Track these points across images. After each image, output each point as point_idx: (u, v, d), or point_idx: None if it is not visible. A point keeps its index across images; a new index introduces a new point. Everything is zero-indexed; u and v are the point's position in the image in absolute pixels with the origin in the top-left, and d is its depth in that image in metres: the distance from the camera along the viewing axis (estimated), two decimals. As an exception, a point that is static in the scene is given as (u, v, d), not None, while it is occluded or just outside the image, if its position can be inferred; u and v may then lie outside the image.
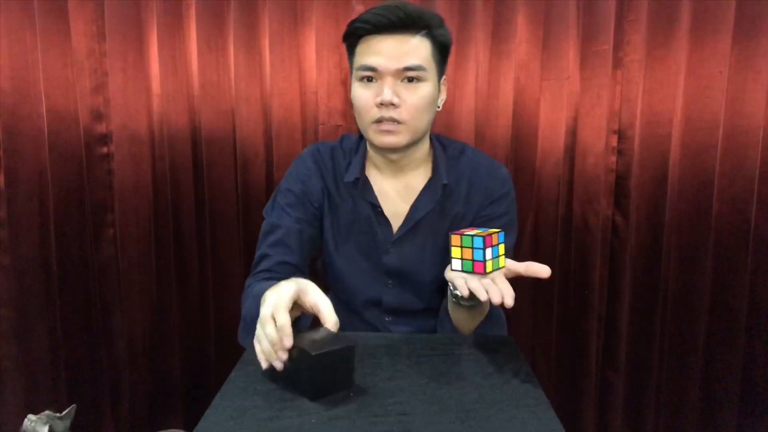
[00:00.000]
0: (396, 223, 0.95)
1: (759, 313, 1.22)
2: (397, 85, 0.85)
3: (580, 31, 1.21)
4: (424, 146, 0.95)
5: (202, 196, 1.30)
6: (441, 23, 0.88)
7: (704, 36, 1.14)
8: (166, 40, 1.22)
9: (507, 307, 0.66)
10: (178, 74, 1.24)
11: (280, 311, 0.64)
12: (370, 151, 0.96)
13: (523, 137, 1.27)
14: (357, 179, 0.93)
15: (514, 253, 0.95)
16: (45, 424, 1.10)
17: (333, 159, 0.98)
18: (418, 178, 0.95)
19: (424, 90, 0.86)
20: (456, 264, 0.74)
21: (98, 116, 1.26)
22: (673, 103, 1.18)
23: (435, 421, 0.58)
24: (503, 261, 0.73)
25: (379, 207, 0.94)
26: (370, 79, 0.86)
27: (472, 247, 0.71)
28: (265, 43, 1.23)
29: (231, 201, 1.29)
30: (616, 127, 1.25)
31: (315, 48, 1.23)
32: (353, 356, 0.65)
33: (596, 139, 1.24)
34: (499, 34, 1.22)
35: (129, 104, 1.24)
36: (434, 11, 0.91)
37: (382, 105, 0.85)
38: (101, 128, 1.27)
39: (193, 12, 1.22)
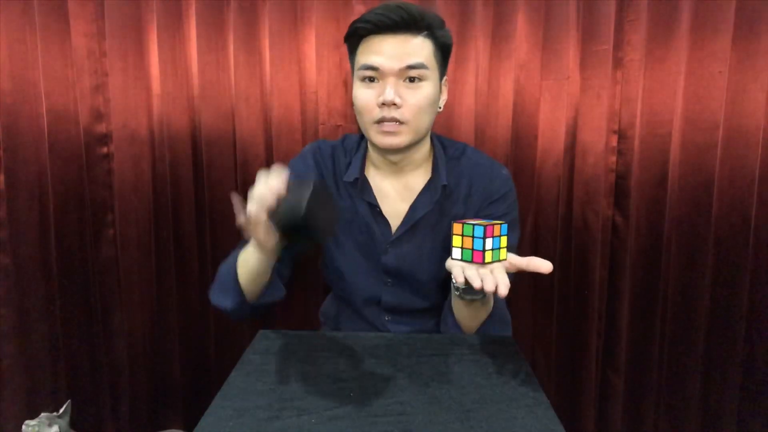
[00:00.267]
0: (395, 223, 0.95)
1: (759, 313, 1.22)
2: (399, 85, 0.85)
3: (580, 31, 1.21)
4: (425, 146, 0.95)
5: (202, 196, 1.30)
6: (442, 24, 0.89)
7: (704, 36, 1.14)
8: (166, 40, 1.22)
9: (500, 296, 0.66)
10: (178, 74, 1.24)
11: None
12: (371, 151, 0.96)
13: (523, 137, 1.26)
14: (356, 179, 0.93)
15: (516, 253, 0.95)
16: (50, 426, 1.10)
17: (333, 157, 0.98)
18: (417, 178, 0.96)
19: (426, 90, 0.86)
20: (456, 253, 0.74)
21: (98, 116, 1.26)
22: (673, 103, 1.18)
23: (435, 421, 0.58)
24: (504, 254, 0.73)
25: (378, 207, 0.94)
26: (371, 79, 0.87)
27: (473, 236, 0.71)
28: (265, 43, 1.23)
29: (231, 201, 1.29)
30: (616, 127, 1.25)
31: (315, 48, 1.23)
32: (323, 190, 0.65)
33: (596, 139, 1.24)
34: (499, 34, 1.22)
35: (129, 104, 1.24)
36: (434, 12, 0.91)
37: (384, 105, 0.85)
38: (101, 128, 1.27)
39: (193, 12, 1.22)
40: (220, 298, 0.90)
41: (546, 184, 1.27)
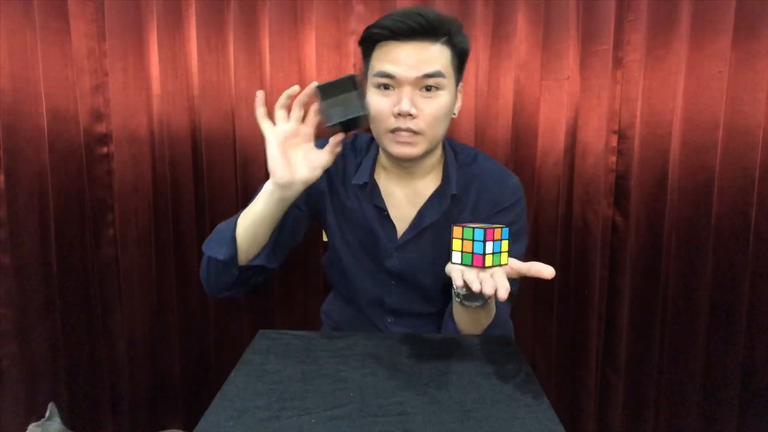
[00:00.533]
0: (401, 227, 0.94)
1: (759, 313, 1.22)
2: (415, 94, 0.83)
3: (580, 31, 1.21)
4: (437, 152, 0.94)
5: (202, 196, 1.30)
6: (460, 28, 0.86)
7: (704, 36, 1.14)
8: (166, 40, 1.22)
9: (500, 299, 0.65)
10: (178, 74, 1.24)
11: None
12: (381, 155, 0.95)
13: (523, 137, 1.26)
14: (365, 183, 0.92)
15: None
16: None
17: (343, 157, 0.96)
18: (427, 183, 0.94)
19: (442, 99, 0.84)
20: (456, 257, 0.73)
21: (98, 116, 1.26)
22: (673, 103, 1.18)
23: (435, 421, 0.58)
24: (505, 258, 0.72)
25: (386, 211, 0.93)
26: (387, 87, 0.84)
27: (473, 240, 0.70)
28: (265, 43, 1.23)
29: (231, 201, 1.29)
30: (616, 127, 1.25)
31: (315, 48, 1.23)
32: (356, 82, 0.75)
33: (596, 139, 1.24)
34: (499, 34, 1.22)
35: (129, 104, 1.24)
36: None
37: (399, 115, 0.83)
38: (101, 128, 1.27)
39: (193, 12, 1.22)
40: (213, 249, 0.87)
41: (546, 184, 1.27)
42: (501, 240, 0.71)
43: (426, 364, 0.72)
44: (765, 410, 1.24)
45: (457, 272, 0.70)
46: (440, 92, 0.84)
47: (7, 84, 1.18)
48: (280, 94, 1.23)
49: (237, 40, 1.22)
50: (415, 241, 0.94)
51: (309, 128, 0.80)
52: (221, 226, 0.89)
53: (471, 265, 0.71)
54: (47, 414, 1.16)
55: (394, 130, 0.84)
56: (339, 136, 0.79)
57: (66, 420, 1.29)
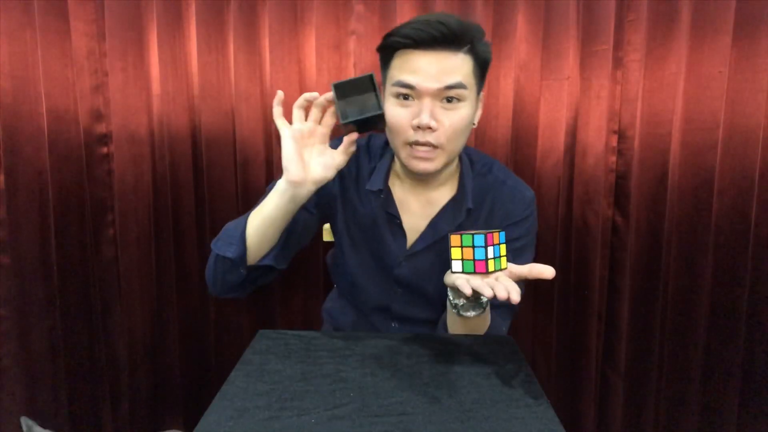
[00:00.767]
0: (412, 236, 0.93)
1: (759, 313, 1.22)
2: (435, 105, 0.81)
3: (580, 31, 1.21)
4: (453, 162, 0.92)
5: (202, 196, 1.30)
6: (483, 36, 0.84)
7: (704, 36, 1.14)
8: (166, 40, 1.22)
9: (513, 302, 0.65)
10: (178, 74, 1.24)
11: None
12: (396, 162, 0.93)
13: (523, 137, 1.26)
14: (380, 189, 0.91)
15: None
16: None
17: (357, 160, 0.95)
18: (442, 193, 0.93)
19: (463, 111, 0.82)
20: (456, 266, 0.72)
21: (98, 116, 1.26)
22: (673, 103, 1.18)
23: (435, 421, 0.58)
24: (505, 262, 0.72)
25: (399, 219, 0.92)
26: (406, 97, 0.82)
27: (473, 246, 0.70)
28: (265, 43, 1.23)
29: (231, 201, 1.29)
30: (616, 127, 1.25)
31: (315, 48, 1.23)
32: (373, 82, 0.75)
33: (596, 139, 1.24)
34: (499, 34, 1.22)
35: (129, 104, 1.24)
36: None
37: (418, 128, 0.81)
38: (101, 128, 1.27)
39: (193, 12, 1.22)
40: (222, 247, 0.85)
41: (546, 184, 1.27)
42: (499, 244, 0.71)
43: (426, 364, 0.72)
44: (765, 410, 1.24)
45: (463, 280, 0.69)
46: (461, 104, 0.82)
47: (7, 84, 1.17)
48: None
49: (237, 40, 1.22)
50: (426, 251, 0.92)
51: (325, 129, 0.79)
52: (230, 225, 0.88)
53: (473, 272, 0.70)
54: (24, 429, 1.15)
55: (412, 144, 0.82)
56: (353, 136, 0.79)
57: (66, 420, 1.29)
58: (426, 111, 0.79)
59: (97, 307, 1.31)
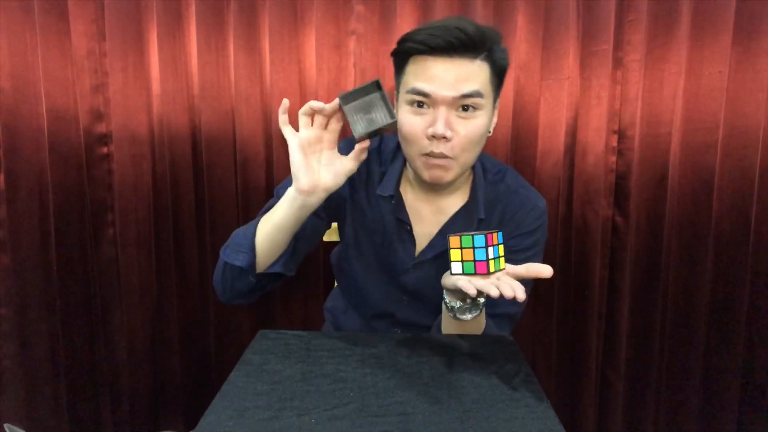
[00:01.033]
0: (421, 243, 0.92)
1: (759, 313, 1.22)
2: (450, 114, 0.78)
3: (580, 31, 1.21)
4: (467, 171, 0.90)
5: (202, 196, 1.30)
6: (500, 41, 0.81)
7: (704, 36, 1.14)
8: (166, 40, 1.22)
9: (519, 300, 0.64)
10: (178, 74, 1.24)
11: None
12: (408, 168, 0.92)
13: (523, 137, 1.26)
14: (391, 195, 0.90)
15: (532, 287, 0.92)
16: None
17: (368, 163, 0.93)
18: (453, 200, 0.92)
19: (479, 121, 0.80)
20: (456, 267, 0.71)
21: (98, 116, 1.26)
22: (673, 103, 1.19)
23: (435, 421, 0.58)
24: (503, 263, 0.71)
25: (409, 226, 0.91)
26: (420, 104, 0.80)
27: (473, 247, 0.70)
28: (265, 43, 1.23)
29: (231, 201, 1.29)
30: (616, 127, 1.25)
31: (315, 48, 1.23)
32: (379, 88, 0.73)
33: (596, 139, 1.24)
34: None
35: (129, 104, 1.24)
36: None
37: (433, 137, 0.79)
38: (101, 128, 1.27)
39: (193, 12, 1.22)
40: (231, 255, 0.84)
41: (546, 184, 1.27)
42: (498, 244, 0.71)
43: (426, 364, 0.72)
44: (765, 410, 1.24)
45: (466, 281, 0.68)
46: (477, 113, 0.80)
47: (7, 84, 1.18)
48: (281, 94, 1.24)
49: (237, 40, 1.22)
50: (434, 259, 0.91)
51: (332, 134, 0.77)
52: (239, 232, 0.87)
53: (474, 274, 0.70)
54: None
55: (426, 154, 0.81)
56: (365, 143, 0.76)
57: (66, 420, 1.29)
58: (441, 120, 0.77)
59: (97, 307, 1.31)
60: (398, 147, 0.92)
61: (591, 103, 1.23)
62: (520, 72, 1.23)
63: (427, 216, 0.92)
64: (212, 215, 1.29)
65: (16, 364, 1.26)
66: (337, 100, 0.73)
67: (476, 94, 0.78)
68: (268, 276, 0.87)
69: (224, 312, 1.34)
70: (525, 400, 0.63)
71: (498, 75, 0.82)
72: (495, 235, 0.70)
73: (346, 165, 0.77)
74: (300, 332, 0.82)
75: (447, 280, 0.75)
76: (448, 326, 0.83)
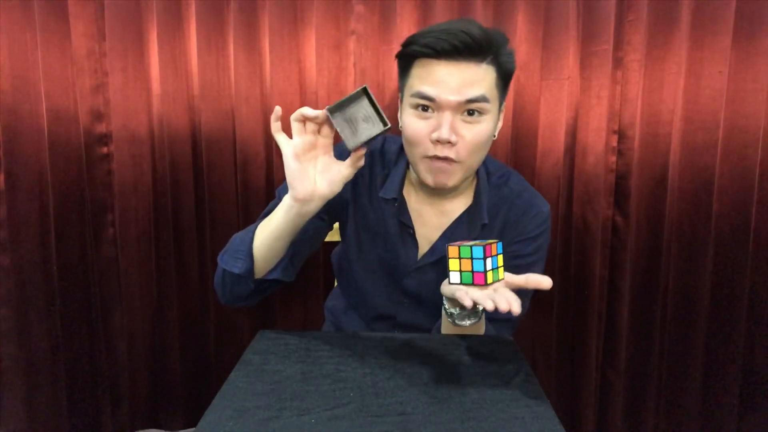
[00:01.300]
0: (423, 246, 0.92)
1: (759, 313, 1.22)
2: (455, 118, 0.78)
3: (580, 31, 1.21)
4: (470, 175, 0.89)
5: (202, 196, 1.30)
6: (506, 44, 0.80)
7: (704, 36, 1.14)
8: (166, 40, 1.22)
9: (515, 314, 0.63)
10: (178, 74, 1.24)
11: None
12: (411, 171, 0.91)
13: (523, 137, 1.27)
14: (394, 198, 0.89)
15: (531, 295, 0.92)
16: None
17: (371, 165, 0.92)
18: (456, 204, 0.91)
19: (485, 125, 0.79)
20: (454, 277, 0.71)
21: (98, 116, 1.26)
22: (673, 103, 1.19)
23: (435, 421, 0.58)
24: (502, 273, 0.71)
25: (412, 229, 0.90)
26: (425, 108, 0.79)
27: (471, 258, 0.69)
28: (265, 43, 1.23)
29: (231, 201, 1.29)
30: (616, 127, 1.25)
31: (315, 48, 1.23)
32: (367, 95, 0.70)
33: (596, 139, 1.24)
34: (499, 34, 1.22)
35: (129, 104, 1.24)
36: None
37: (437, 142, 0.78)
38: (101, 128, 1.27)
39: (193, 12, 1.22)
40: (229, 262, 0.83)
41: (546, 184, 1.27)
42: (497, 255, 0.70)
43: (426, 364, 0.72)
44: (765, 410, 1.24)
45: (462, 292, 0.68)
46: (483, 117, 0.79)
47: (7, 84, 1.17)
48: (281, 94, 1.24)
49: (237, 40, 1.22)
50: (436, 263, 0.90)
51: (326, 139, 0.74)
52: (236, 238, 0.86)
53: (472, 284, 0.70)
54: None
55: (430, 157, 0.80)
56: (361, 151, 0.74)
57: (66, 420, 1.29)
58: (446, 125, 0.77)
59: (97, 307, 1.31)
60: (401, 149, 0.91)
61: (591, 103, 1.23)
62: (520, 72, 1.23)
63: (430, 219, 0.92)
64: (212, 215, 1.29)
65: (16, 364, 1.26)
66: (326, 110, 0.70)
67: (482, 99, 0.77)
68: (268, 281, 0.87)
69: (224, 312, 1.34)
70: (525, 400, 0.63)
71: (504, 79, 0.82)
72: (494, 245, 0.70)
73: (342, 171, 0.75)
74: (300, 332, 0.82)
75: (446, 288, 0.74)
76: (447, 330, 0.83)
